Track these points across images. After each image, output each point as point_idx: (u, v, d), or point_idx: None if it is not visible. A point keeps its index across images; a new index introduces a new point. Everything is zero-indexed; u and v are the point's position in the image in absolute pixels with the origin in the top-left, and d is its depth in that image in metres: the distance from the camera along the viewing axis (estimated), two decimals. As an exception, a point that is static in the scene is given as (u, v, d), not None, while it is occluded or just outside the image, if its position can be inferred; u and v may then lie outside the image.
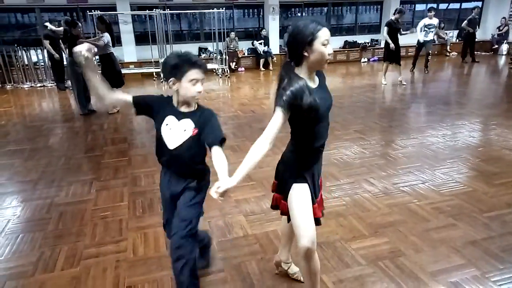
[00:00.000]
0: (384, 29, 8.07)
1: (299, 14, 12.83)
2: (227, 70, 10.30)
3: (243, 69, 11.40)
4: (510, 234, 2.58)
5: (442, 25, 13.93)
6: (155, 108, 1.90)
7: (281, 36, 11.87)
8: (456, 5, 14.81)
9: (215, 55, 10.81)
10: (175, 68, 1.72)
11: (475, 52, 11.68)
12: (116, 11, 10.08)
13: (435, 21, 9.17)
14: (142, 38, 10.77)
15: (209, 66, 10.76)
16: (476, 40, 12.87)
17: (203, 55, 11.37)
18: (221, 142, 1.75)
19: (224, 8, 9.94)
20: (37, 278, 2.28)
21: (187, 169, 1.90)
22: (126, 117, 6.25)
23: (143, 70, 10.20)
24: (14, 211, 3.12)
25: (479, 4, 14.25)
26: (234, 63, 11.11)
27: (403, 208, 2.97)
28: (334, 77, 10.13)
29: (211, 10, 9.95)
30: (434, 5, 9.36)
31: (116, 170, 3.91)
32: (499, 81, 9.04)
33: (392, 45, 7.87)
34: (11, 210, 3.14)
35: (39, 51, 9.53)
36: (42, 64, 9.59)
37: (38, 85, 9.48)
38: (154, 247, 2.55)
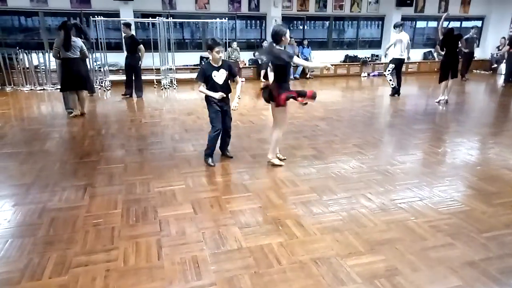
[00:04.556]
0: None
1: (301, 27, 12.93)
2: (227, 80, 10.31)
3: (243, 79, 11.42)
4: (508, 256, 2.53)
5: (440, 42, 14.05)
6: (206, 74, 4.01)
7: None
8: (456, 23, 14.96)
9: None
10: (209, 47, 3.89)
11: (473, 71, 11.77)
12: (119, 17, 10.14)
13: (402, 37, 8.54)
14: (144, 46, 10.78)
15: (210, 75, 10.80)
16: (476, 59, 13.02)
17: (201, 71, 11.38)
18: (238, 75, 4.16)
19: (227, 18, 10.00)
20: (23, 286, 2.22)
21: (227, 91, 4.11)
22: (124, 123, 6.22)
23: (144, 77, 10.17)
24: (4, 215, 3.06)
25: (479, 23, 14.43)
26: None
27: (401, 225, 2.93)
28: (334, 90, 10.16)
29: (214, 20, 10.02)
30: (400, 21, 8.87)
31: (111, 177, 3.86)
32: (497, 100, 9.08)
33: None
34: (2, 214, 3.09)
35: (40, 54, 9.54)
36: (43, 67, 9.60)
37: (38, 88, 9.47)
38: (146, 257, 2.49)
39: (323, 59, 12.54)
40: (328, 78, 12.11)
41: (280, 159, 4.28)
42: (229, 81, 4.09)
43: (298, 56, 11.97)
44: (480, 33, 14.05)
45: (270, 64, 3.93)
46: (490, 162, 4.42)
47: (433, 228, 2.89)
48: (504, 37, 13.32)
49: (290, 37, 12.24)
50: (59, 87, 6.95)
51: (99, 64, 9.88)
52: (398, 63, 8.62)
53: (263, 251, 2.57)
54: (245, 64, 11.79)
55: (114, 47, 10.84)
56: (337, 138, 5.28)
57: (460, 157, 4.58)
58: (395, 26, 8.66)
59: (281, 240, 2.71)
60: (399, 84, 8.91)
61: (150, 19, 9.69)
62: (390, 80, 8.85)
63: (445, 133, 5.86)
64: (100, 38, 9.31)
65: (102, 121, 6.34)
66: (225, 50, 10.42)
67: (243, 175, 3.94)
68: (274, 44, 3.81)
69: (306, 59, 11.97)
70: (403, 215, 3.10)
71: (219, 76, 3.97)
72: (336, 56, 12.99)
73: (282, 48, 3.85)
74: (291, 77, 11.65)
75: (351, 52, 13.04)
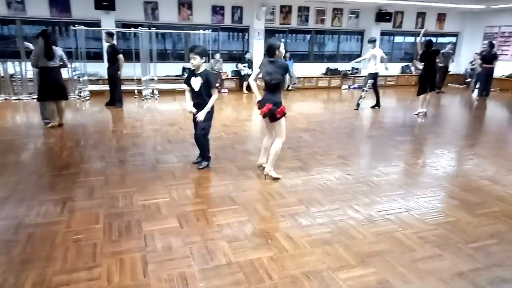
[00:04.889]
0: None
1: (283, 40, 13.07)
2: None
3: (226, 90, 11.41)
4: (495, 266, 2.56)
5: (419, 56, 14.49)
6: (187, 78, 4.15)
7: (264, 60, 12.01)
8: (433, 39, 15.43)
9: (198, 75, 10.80)
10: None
11: (448, 84, 12.16)
12: (100, 27, 9.98)
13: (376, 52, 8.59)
14: (125, 56, 10.62)
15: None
16: (451, 73, 13.47)
17: (186, 75, 11.32)
18: (214, 88, 4.13)
19: (210, 30, 10.00)
20: (-2, 308, 2.08)
21: (201, 100, 4.07)
22: (105, 134, 6.06)
23: (125, 87, 9.99)
24: (-23, 232, 2.88)
25: (454, 39, 14.96)
26: (217, 85, 11.10)
27: (389, 237, 2.93)
28: (316, 102, 10.25)
29: (197, 32, 10.00)
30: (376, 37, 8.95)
31: (92, 190, 3.72)
32: (472, 113, 9.37)
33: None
34: (-26, 230, 2.91)
35: (16, 63, 9.24)
36: (19, 76, 9.29)
37: (13, 98, 9.15)
38: (131, 274, 2.38)
39: (305, 71, 12.69)
40: (310, 90, 12.23)
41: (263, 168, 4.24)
42: (205, 92, 4.06)
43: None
44: (455, 49, 14.55)
45: (263, 76, 3.92)
46: (470, 173, 4.51)
47: (421, 239, 2.90)
48: (477, 53, 13.86)
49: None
50: (35, 96, 6.73)
51: (78, 74, 9.65)
52: (374, 77, 8.75)
53: (253, 266, 2.50)
54: (228, 76, 11.79)
55: (93, 56, 10.62)
56: (321, 150, 5.29)
57: (442, 168, 4.66)
58: (369, 41, 8.82)
59: (271, 254, 2.65)
60: (378, 97, 9.06)
61: (133, 29, 9.57)
62: (363, 95, 8.88)
63: (426, 144, 5.98)
64: (80, 48, 9.12)
65: (81, 132, 6.16)
66: (207, 61, 10.41)
67: (228, 187, 3.88)
68: (268, 58, 3.85)
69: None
70: (390, 227, 3.10)
71: (195, 83, 4.02)
72: (318, 68, 13.17)
73: (279, 61, 3.87)
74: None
75: (332, 65, 13.25)
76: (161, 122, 6.98)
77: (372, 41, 8.71)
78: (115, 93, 8.36)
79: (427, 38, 8.40)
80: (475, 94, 11.42)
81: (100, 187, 3.80)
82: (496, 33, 14.08)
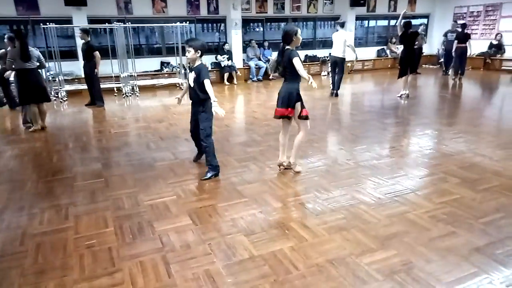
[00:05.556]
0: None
1: (258, 29, 12.97)
2: (192, 85, 10.08)
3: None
4: (508, 239, 2.65)
5: (394, 39, 14.77)
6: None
7: (244, 51, 11.91)
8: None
9: (178, 69, 10.59)
10: None
11: (423, 65, 12.45)
12: (71, 23, 9.58)
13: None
14: (100, 53, 10.25)
15: (172, 80, 10.52)
16: (424, 54, 13.78)
17: (165, 69, 11.09)
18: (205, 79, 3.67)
19: (188, 22, 9.79)
20: (23, 323, 1.98)
21: (195, 95, 3.79)
22: (92, 135, 5.87)
23: (103, 85, 9.68)
24: (-20, 246, 2.73)
25: (425, 21, 15.30)
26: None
27: (402, 219, 2.98)
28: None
29: (174, 24, 9.76)
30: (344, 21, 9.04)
31: (93, 193, 3.59)
32: (451, 92, 9.64)
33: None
34: (-24, 244, 2.75)
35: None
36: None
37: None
38: (155, 276, 2.32)
39: (284, 59, 12.64)
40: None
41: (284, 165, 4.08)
42: (198, 87, 3.71)
43: (260, 58, 12.02)
44: (426, 30, 14.87)
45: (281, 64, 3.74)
46: (463, 151, 4.64)
47: (433, 218, 2.97)
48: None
49: (251, 39, 12.41)
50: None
51: (52, 74, 9.25)
52: (342, 62, 8.69)
53: (276, 258, 2.49)
54: (207, 68, 11.60)
55: (67, 55, 10.19)
56: (316, 137, 5.31)
57: (435, 148, 4.78)
58: (342, 25, 8.73)
59: (292, 244, 2.65)
60: (339, 83, 8.80)
61: (107, 24, 9.23)
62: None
63: (414, 125, 6.11)
64: (51, 47, 8.72)
65: (67, 134, 5.92)
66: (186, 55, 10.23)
67: (233, 180, 3.83)
68: (284, 46, 3.68)
69: (268, 61, 12.04)
70: (401, 208, 3.16)
71: (190, 77, 3.82)
72: (296, 56, 13.18)
73: (293, 49, 3.66)
74: (255, 78, 11.66)
75: (310, 52, 13.28)
76: (148, 119, 6.81)
77: (342, 24, 8.75)
78: (94, 92, 8.07)
79: (406, 19, 8.51)
80: (451, 72, 11.74)
81: (101, 189, 3.67)
82: (465, 13, 14.47)
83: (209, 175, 3.85)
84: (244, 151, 4.78)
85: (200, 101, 3.79)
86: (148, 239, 2.75)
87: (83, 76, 9.36)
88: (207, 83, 3.62)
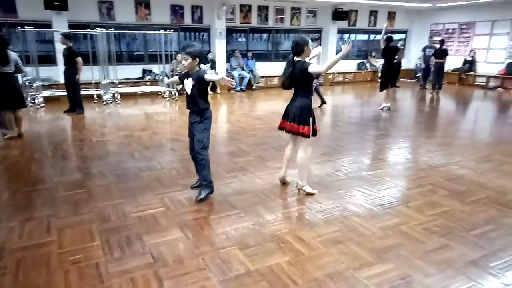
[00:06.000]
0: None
1: (241, 39, 13.00)
2: (175, 93, 9.96)
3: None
4: (501, 251, 2.68)
5: (374, 53, 15.13)
6: (181, 79, 3.54)
7: (227, 60, 11.89)
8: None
9: (161, 77, 10.44)
10: None
11: (401, 79, 12.82)
12: (51, 28, 9.31)
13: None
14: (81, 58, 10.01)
15: (155, 88, 10.35)
16: (402, 68, 14.17)
17: (147, 77, 10.92)
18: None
19: (172, 30, 9.70)
20: None
21: (193, 105, 3.47)
22: (73, 143, 5.65)
23: (83, 92, 9.42)
24: (-47, 262, 2.53)
25: (403, 36, 15.77)
26: (180, 86, 10.78)
27: (396, 231, 2.97)
28: (282, 101, 10.25)
29: (158, 32, 9.65)
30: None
31: (77, 205, 3.42)
32: (430, 106, 9.90)
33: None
34: (-51, 260, 2.55)
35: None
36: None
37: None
38: (148, 293, 2.21)
39: (266, 70, 12.71)
40: (273, 89, 12.28)
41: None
42: (200, 96, 3.38)
43: (243, 68, 12.02)
44: (404, 45, 15.31)
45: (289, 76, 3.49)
46: (448, 163, 4.73)
47: (426, 231, 2.98)
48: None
49: (235, 49, 12.40)
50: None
51: (29, 79, 8.92)
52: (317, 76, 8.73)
53: (274, 272, 2.42)
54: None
55: (45, 60, 9.87)
56: (303, 148, 5.29)
57: (421, 160, 4.85)
58: (314, 40, 8.77)
59: (288, 258, 2.58)
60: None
61: (89, 30, 9.03)
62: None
63: (399, 137, 6.20)
64: (29, 51, 8.43)
65: (46, 142, 5.68)
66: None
67: (223, 191, 3.75)
68: (294, 57, 3.44)
69: (251, 71, 12.06)
70: (394, 220, 3.15)
71: (187, 85, 3.40)
72: (279, 67, 13.24)
73: (303, 60, 3.42)
74: (238, 88, 11.64)
75: (292, 63, 13.39)
76: (131, 127, 6.63)
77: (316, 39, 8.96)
78: (74, 98, 7.82)
79: (388, 34, 8.72)
80: (428, 86, 12.08)
81: (85, 200, 3.51)
82: (441, 29, 15.01)
83: (204, 194, 3.49)
84: (233, 161, 4.71)
85: (199, 110, 3.46)
86: (138, 254, 2.63)
87: (62, 82, 9.10)
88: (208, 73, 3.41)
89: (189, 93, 3.43)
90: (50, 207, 3.37)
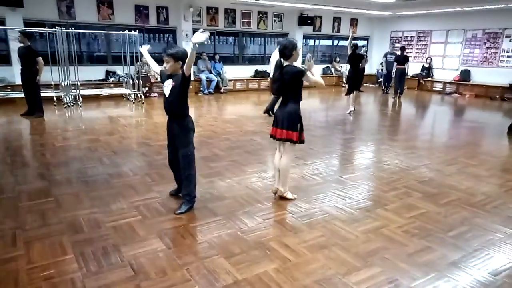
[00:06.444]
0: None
1: (208, 42, 12.85)
2: (141, 96, 9.64)
3: (156, 94, 10.84)
4: (478, 251, 2.78)
5: (338, 59, 15.53)
6: (162, 79, 3.31)
7: (195, 63, 11.67)
8: (346, 42, 16.61)
9: (125, 79, 10.08)
10: None
11: (364, 84, 13.28)
12: (4, 25, 8.71)
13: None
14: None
15: (119, 91, 9.97)
16: (365, 74, 14.64)
17: (111, 79, 10.50)
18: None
19: (137, 30, 9.39)
20: None
21: (171, 108, 3.28)
22: (33, 148, 5.29)
23: (42, 93, 8.89)
24: None
25: (365, 42, 16.31)
26: (146, 88, 10.48)
27: (378, 234, 3.01)
28: (251, 104, 10.25)
29: (121, 32, 9.31)
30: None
31: (44, 215, 3.17)
32: (393, 110, 10.27)
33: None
34: None
35: None
36: None
37: None
38: (132, 310, 2.06)
39: (234, 73, 12.66)
40: (241, 92, 12.24)
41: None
42: (179, 100, 3.18)
43: (210, 71, 11.88)
44: (367, 52, 15.84)
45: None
46: (418, 166, 4.88)
47: (407, 233, 3.03)
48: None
49: (202, 52, 12.22)
50: None
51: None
52: None
53: (262, 281, 2.35)
54: (157, 79, 11.19)
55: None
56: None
57: (392, 163, 4.97)
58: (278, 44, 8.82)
59: (275, 265, 2.53)
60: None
61: (47, 28, 8.53)
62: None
63: (368, 141, 6.33)
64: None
65: (2, 147, 5.26)
66: (134, 65, 9.83)
67: (202, 198, 3.62)
68: (282, 60, 3.34)
69: (219, 74, 11.95)
70: (374, 224, 3.19)
71: (167, 86, 3.18)
72: (246, 71, 13.25)
73: (292, 65, 3.34)
74: (206, 91, 11.47)
75: (260, 67, 13.43)
76: (96, 131, 6.32)
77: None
78: (33, 101, 7.35)
79: (354, 42, 8.96)
80: (390, 91, 12.55)
81: (53, 210, 3.26)
82: (400, 37, 15.67)
83: (184, 208, 3.28)
84: (208, 166, 4.59)
85: (178, 116, 3.26)
86: (117, 267, 2.46)
87: (18, 83, 8.54)
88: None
89: (167, 95, 3.23)
90: (13, 219, 3.10)
